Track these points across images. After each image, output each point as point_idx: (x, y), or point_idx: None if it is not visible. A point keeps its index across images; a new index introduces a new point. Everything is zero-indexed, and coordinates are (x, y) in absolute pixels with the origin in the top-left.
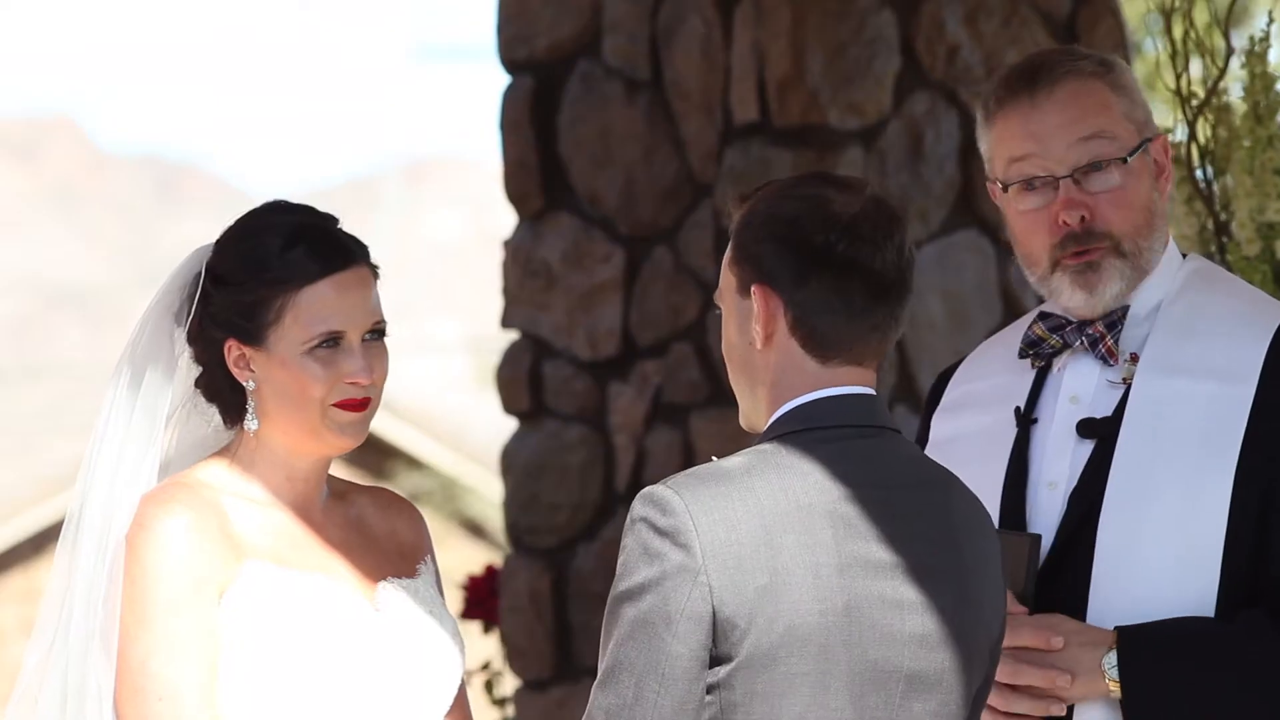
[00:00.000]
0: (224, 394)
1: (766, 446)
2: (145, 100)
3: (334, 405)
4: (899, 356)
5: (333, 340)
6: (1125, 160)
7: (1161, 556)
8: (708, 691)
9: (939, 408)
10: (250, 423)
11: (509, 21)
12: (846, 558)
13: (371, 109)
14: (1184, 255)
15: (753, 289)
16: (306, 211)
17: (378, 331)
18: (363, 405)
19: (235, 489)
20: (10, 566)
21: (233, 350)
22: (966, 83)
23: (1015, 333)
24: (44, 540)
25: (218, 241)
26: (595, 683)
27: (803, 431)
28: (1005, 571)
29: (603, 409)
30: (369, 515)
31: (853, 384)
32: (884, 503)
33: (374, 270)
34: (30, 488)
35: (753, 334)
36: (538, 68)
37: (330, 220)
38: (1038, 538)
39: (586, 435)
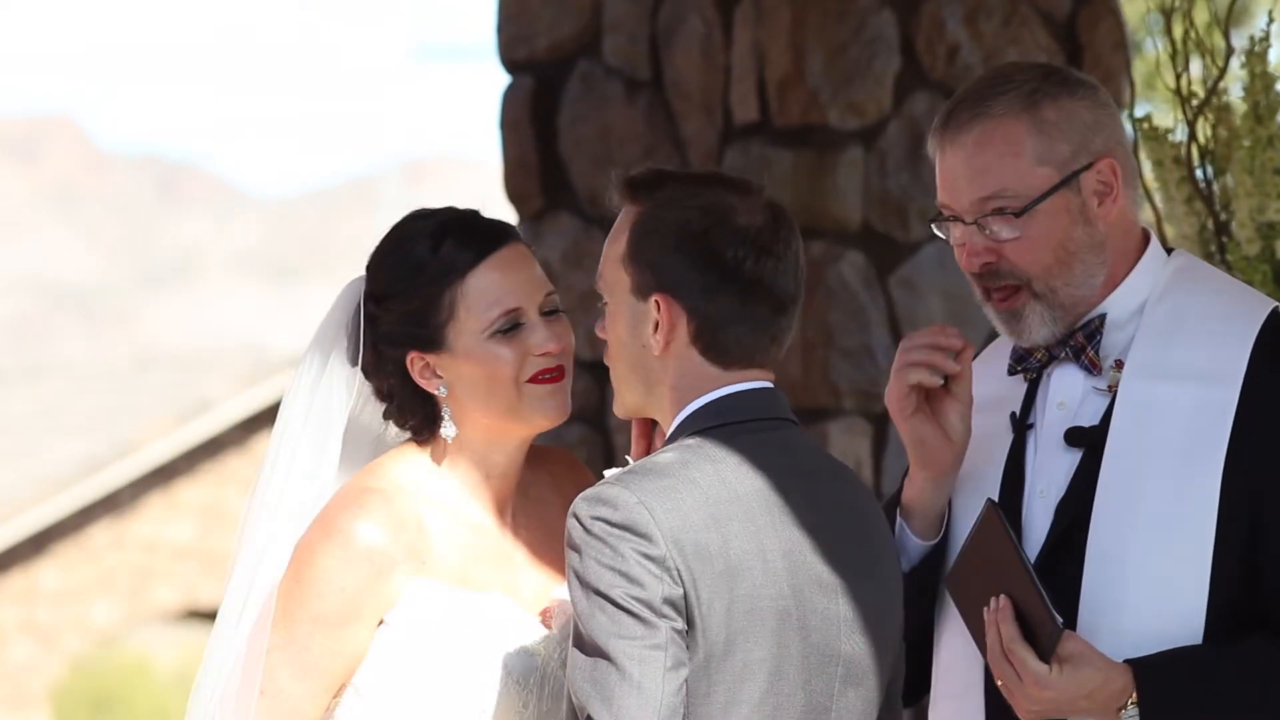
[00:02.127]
0: (417, 413)
1: (690, 441)
2: (145, 100)
3: (528, 381)
4: None
5: (513, 322)
6: (1019, 214)
7: (1150, 566)
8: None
9: None
10: (447, 429)
11: (509, 21)
12: (785, 543)
13: (371, 109)
14: (1169, 251)
15: (655, 298)
16: (445, 210)
17: (553, 309)
18: (558, 375)
19: (431, 491)
20: (10, 566)
21: (416, 362)
22: (967, 83)
23: (1008, 342)
24: (44, 540)
25: (367, 267)
26: (585, 681)
27: (720, 426)
28: (995, 550)
29: (603, 409)
30: (550, 499)
31: (754, 380)
32: (803, 490)
33: (529, 246)
34: (30, 488)
35: (648, 339)
36: (538, 68)
37: (470, 211)
38: (994, 503)
39: (586, 435)
